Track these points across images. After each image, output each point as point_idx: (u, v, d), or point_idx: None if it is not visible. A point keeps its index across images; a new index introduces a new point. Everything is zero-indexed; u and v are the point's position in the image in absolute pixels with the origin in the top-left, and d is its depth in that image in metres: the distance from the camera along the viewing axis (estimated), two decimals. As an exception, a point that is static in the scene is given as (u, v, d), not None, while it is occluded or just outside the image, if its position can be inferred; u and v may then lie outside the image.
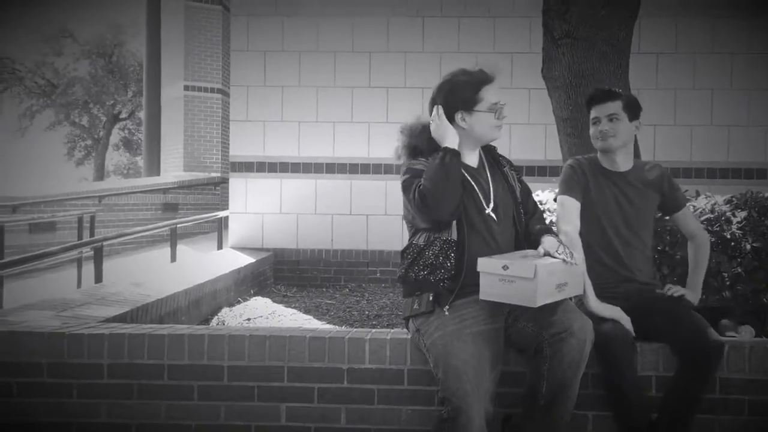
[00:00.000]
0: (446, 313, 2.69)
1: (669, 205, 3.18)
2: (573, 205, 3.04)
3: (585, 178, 3.10)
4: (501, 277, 2.58)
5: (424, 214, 2.71)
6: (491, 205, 2.82)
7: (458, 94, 2.80)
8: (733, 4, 7.35)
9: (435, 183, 2.66)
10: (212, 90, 15.20)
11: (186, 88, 15.01)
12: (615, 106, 3.09)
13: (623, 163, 3.12)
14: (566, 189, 3.08)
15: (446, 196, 2.68)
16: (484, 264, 2.60)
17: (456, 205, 2.71)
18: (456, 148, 2.74)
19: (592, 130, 3.14)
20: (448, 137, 2.76)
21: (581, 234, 3.00)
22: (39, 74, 25.94)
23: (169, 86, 15.42)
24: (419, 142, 2.85)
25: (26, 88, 26.09)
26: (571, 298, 2.91)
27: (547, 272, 2.57)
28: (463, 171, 2.80)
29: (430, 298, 2.73)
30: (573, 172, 3.12)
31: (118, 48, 25.89)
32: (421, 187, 2.69)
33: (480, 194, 2.81)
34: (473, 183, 2.82)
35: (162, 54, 15.56)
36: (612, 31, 4.40)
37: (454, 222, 2.74)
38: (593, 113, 3.14)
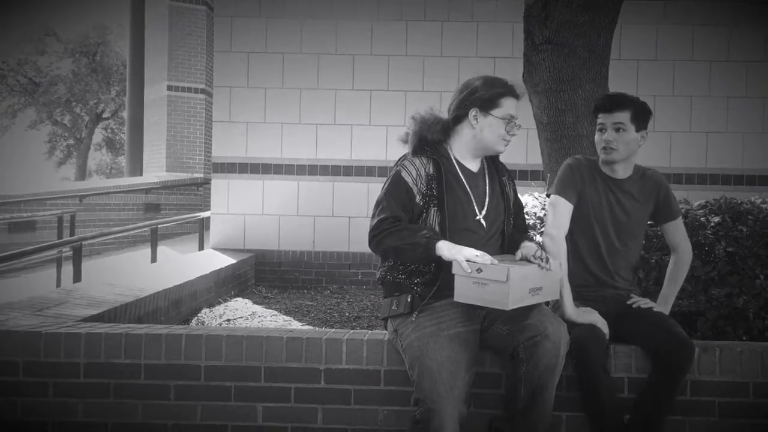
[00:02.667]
0: (413, 318, 2.73)
1: (660, 215, 3.14)
2: (565, 207, 3.00)
3: (582, 180, 3.05)
4: (475, 279, 2.61)
5: (370, 238, 2.77)
6: (483, 212, 2.85)
7: (481, 93, 2.83)
8: (712, 13, 7.44)
9: (395, 249, 2.72)
10: (196, 90, 15.16)
11: (169, 88, 14.97)
12: (623, 116, 2.99)
13: (623, 171, 3.08)
14: (561, 189, 3.03)
15: (391, 258, 2.81)
16: (458, 267, 2.63)
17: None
18: (435, 251, 2.67)
19: (596, 136, 3.08)
20: (446, 251, 2.67)
21: (570, 233, 3.00)
22: (21, 72, 25.73)
23: (153, 86, 15.36)
24: (429, 134, 2.87)
25: (8, 87, 25.86)
26: (547, 303, 2.95)
27: (520, 276, 2.60)
28: (460, 175, 2.85)
29: (408, 300, 2.76)
30: (571, 171, 3.06)
31: (102, 47, 25.73)
32: (381, 230, 2.73)
33: (474, 200, 2.84)
34: (469, 188, 2.85)
35: (146, 54, 15.50)
36: (592, 38, 4.45)
37: (437, 228, 2.77)
38: (600, 120, 3.06)
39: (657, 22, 7.45)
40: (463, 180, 2.85)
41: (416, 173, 2.80)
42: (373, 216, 2.79)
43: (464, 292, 2.65)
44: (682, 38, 7.46)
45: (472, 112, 2.83)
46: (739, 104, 7.45)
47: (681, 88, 7.46)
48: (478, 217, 2.83)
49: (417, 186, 2.79)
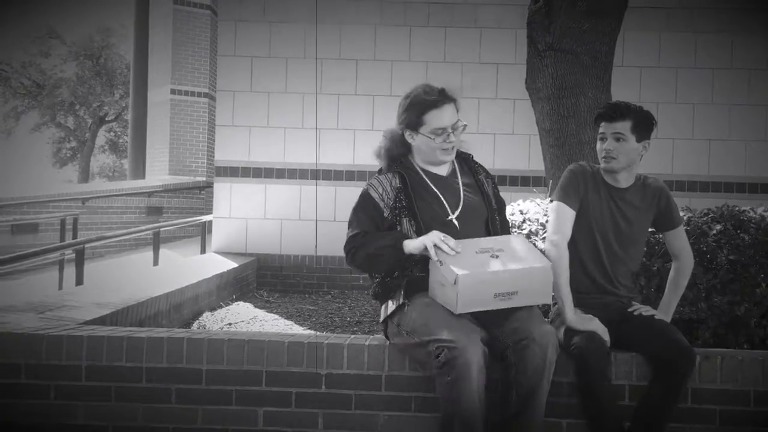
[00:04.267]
0: (408, 306, 2.79)
1: (662, 223, 3.14)
2: (567, 214, 2.99)
3: (585, 187, 3.04)
4: (438, 279, 2.69)
5: (345, 254, 2.88)
6: (457, 212, 2.88)
7: (408, 114, 2.91)
8: (714, 21, 7.45)
9: (368, 257, 2.82)
10: (199, 94, 15.18)
11: (173, 91, 14.99)
12: (623, 126, 2.98)
13: (625, 180, 3.07)
14: (563, 196, 3.03)
15: (368, 269, 2.92)
16: (433, 267, 2.72)
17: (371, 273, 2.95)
18: (404, 249, 2.76)
19: (598, 145, 3.07)
20: (411, 243, 2.77)
21: (571, 240, 2.99)
22: (25, 75, 25.76)
23: (156, 89, 15.38)
24: (395, 148, 2.98)
25: (12, 89, 25.89)
26: (548, 311, 2.95)
27: (474, 281, 2.62)
28: (428, 181, 2.92)
29: (401, 293, 2.82)
30: (574, 178, 3.05)
31: (106, 50, 25.75)
32: (354, 245, 2.84)
33: (446, 202, 2.89)
34: (438, 191, 2.90)
35: (149, 57, 15.53)
36: (595, 45, 4.46)
37: (414, 236, 2.83)
38: (601, 128, 3.06)
39: (660, 29, 7.46)
40: (432, 186, 2.91)
41: (382, 189, 2.91)
42: (347, 235, 2.90)
43: (433, 291, 2.76)
44: (684, 45, 7.46)
45: (406, 133, 2.93)
46: (741, 112, 7.45)
47: (684, 96, 7.46)
48: (450, 217, 2.86)
49: (384, 201, 2.89)
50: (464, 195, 2.93)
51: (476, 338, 2.59)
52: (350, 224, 2.92)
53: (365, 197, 2.93)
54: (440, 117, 2.86)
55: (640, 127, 3.01)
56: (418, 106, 2.87)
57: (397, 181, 2.91)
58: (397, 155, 2.97)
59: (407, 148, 2.97)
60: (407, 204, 2.87)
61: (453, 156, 2.96)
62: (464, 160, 3.05)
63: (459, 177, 2.98)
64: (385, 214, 2.88)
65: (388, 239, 2.80)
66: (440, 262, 2.65)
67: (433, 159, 2.93)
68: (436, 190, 2.90)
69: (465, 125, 2.92)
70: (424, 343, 2.67)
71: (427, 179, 2.93)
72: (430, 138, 2.87)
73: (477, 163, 3.09)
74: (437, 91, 2.89)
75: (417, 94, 2.91)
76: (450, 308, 2.65)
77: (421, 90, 2.91)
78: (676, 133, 7.43)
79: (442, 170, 2.97)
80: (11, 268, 7.47)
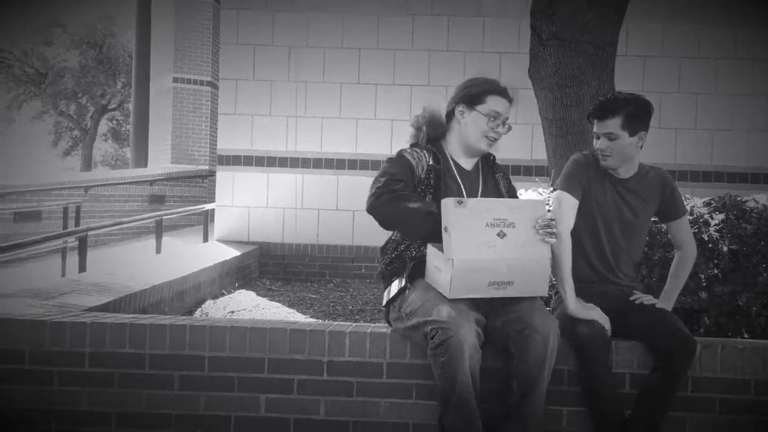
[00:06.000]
0: (409, 290, 2.80)
1: (666, 213, 3.14)
2: (570, 204, 2.99)
3: (588, 176, 3.03)
4: (434, 265, 2.71)
5: (375, 197, 2.77)
6: None
7: (469, 90, 2.95)
8: (718, 12, 7.43)
9: (401, 212, 2.73)
10: (201, 83, 15.16)
11: (175, 80, 14.97)
12: (613, 124, 2.94)
13: (625, 172, 3.06)
14: (567, 185, 3.02)
15: (392, 220, 2.82)
16: (430, 251, 2.75)
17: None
18: (434, 210, 2.70)
19: (594, 143, 3.07)
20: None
21: (573, 229, 2.99)
22: (28, 63, 25.73)
23: (159, 78, 15.37)
24: (437, 129, 3.01)
25: (14, 77, 25.87)
26: (549, 300, 2.95)
27: (469, 269, 2.61)
28: (454, 171, 2.95)
29: (404, 276, 2.86)
30: (577, 167, 3.04)
31: (109, 39, 25.72)
32: (387, 189, 2.75)
33: (465, 194, 2.92)
34: (462, 185, 2.94)
35: (152, 46, 15.51)
36: (599, 34, 4.44)
37: None
38: (594, 127, 3.04)
39: (663, 19, 7.44)
40: (457, 176, 2.95)
41: (417, 159, 2.92)
42: (374, 185, 2.81)
43: (428, 274, 2.78)
44: (688, 36, 7.44)
45: (459, 108, 2.96)
46: (744, 102, 7.44)
47: (687, 86, 7.45)
48: None
49: (418, 169, 2.89)
50: (482, 190, 2.98)
51: (470, 319, 2.61)
52: (380, 177, 2.81)
53: (400, 157, 2.92)
54: (501, 103, 2.94)
55: (632, 120, 2.96)
56: (485, 86, 2.94)
57: (431, 159, 2.93)
58: (433, 137, 3.00)
59: (443, 131, 3.00)
60: (435, 183, 2.88)
61: (488, 149, 3.00)
62: (485, 158, 3.09)
63: (480, 174, 3.03)
64: (417, 176, 2.87)
65: (430, 205, 2.72)
66: (446, 228, 2.64)
67: (472, 144, 2.95)
68: (460, 182, 2.94)
69: (510, 127, 2.98)
70: (420, 324, 2.70)
71: (454, 169, 2.96)
72: (484, 117, 2.91)
73: (497, 163, 3.14)
74: (503, 85, 2.98)
75: (484, 78, 2.98)
76: (443, 292, 2.66)
77: (489, 78, 2.99)
78: (679, 123, 7.42)
79: (468, 165, 3.02)
80: (14, 256, 7.49)
